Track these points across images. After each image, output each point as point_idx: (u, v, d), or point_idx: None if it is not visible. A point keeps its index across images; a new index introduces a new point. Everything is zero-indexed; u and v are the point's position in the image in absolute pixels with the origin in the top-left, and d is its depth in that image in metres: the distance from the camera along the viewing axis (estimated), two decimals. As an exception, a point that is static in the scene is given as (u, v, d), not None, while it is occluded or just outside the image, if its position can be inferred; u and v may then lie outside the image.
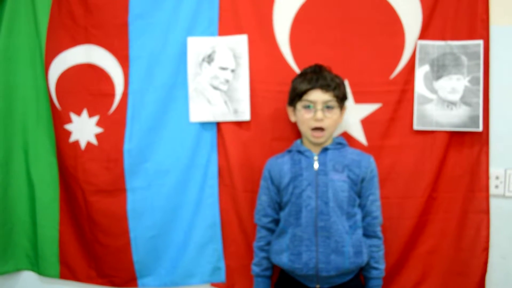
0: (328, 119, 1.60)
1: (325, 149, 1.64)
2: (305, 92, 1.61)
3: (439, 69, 1.75)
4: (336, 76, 1.64)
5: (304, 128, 1.64)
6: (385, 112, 1.79)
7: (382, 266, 1.66)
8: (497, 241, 1.82)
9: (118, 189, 1.94)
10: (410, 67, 1.78)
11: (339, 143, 1.67)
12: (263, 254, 1.72)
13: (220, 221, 1.92)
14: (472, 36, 1.74)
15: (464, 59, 1.74)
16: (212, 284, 1.98)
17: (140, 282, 2.01)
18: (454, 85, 1.75)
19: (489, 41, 1.74)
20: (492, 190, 1.80)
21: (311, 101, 1.60)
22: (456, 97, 1.75)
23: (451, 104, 1.75)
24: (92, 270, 2.05)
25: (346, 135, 1.80)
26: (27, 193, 2.07)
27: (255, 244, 1.74)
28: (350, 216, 1.59)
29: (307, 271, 1.57)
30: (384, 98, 1.79)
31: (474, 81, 1.73)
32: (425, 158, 1.79)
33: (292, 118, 1.70)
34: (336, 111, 1.63)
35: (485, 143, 1.77)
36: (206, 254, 1.95)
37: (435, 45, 1.76)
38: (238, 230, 1.90)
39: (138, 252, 1.97)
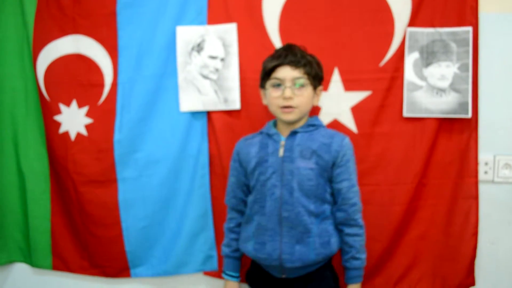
0: (298, 97, 1.51)
1: (293, 133, 1.55)
2: (273, 69, 1.52)
3: (428, 56, 1.76)
4: (309, 55, 1.57)
5: (273, 108, 1.56)
6: (375, 100, 1.79)
7: (363, 255, 1.58)
8: (486, 227, 1.84)
9: (109, 179, 1.94)
10: (400, 55, 1.78)
11: (312, 125, 1.57)
12: (232, 236, 1.69)
13: (212, 210, 1.93)
14: (461, 23, 1.74)
15: (453, 46, 1.74)
16: (205, 273, 1.99)
17: (132, 272, 2.01)
18: (444, 72, 1.75)
19: (478, 28, 1.74)
20: (481, 176, 1.82)
21: (279, 79, 1.51)
22: (445, 84, 1.75)
23: (441, 91, 1.75)
24: (84, 260, 2.06)
25: (336, 123, 1.81)
26: (18, 185, 2.06)
27: (225, 225, 1.72)
28: (319, 205, 1.52)
29: (270, 262, 1.53)
30: (374, 85, 1.79)
31: (463, 67, 1.74)
32: (415, 144, 1.79)
33: (264, 101, 1.63)
34: (308, 89, 1.53)
35: (474, 129, 1.78)
36: (198, 243, 1.95)
37: (425, 32, 1.76)
38: (230, 218, 1.91)
39: (130, 242, 1.98)
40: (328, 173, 1.54)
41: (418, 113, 1.77)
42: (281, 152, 1.55)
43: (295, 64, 1.51)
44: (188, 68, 1.87)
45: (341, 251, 1.60)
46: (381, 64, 1.79)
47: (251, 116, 1.86)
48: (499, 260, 1.87)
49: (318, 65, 1.59)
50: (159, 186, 1.93)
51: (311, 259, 1.52)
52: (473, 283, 1.83)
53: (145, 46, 1.89)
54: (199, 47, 1.85)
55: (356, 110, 1.81)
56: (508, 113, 1.81)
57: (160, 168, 1.92)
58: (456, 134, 1.79)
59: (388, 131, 1.80)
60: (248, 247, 1.59)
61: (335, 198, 1.57)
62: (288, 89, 1.51)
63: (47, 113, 1.97)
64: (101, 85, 1.93)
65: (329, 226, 1.55)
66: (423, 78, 1.76)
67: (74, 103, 1.96)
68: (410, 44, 1.76)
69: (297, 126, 1.57)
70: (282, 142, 1.56)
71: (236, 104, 1.85)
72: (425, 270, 1.85)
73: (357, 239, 1.57)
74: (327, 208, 1.55)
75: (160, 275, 2.00)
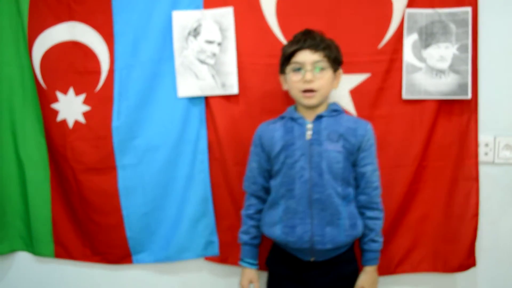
0: (319, 80, 1.53)
1: (319, 117, 1.57)
2: (293, 54, 1.54)
3: (427, 38, 1.74)
4: (328, 39, 1.58)
5: (294, 92, 1.57)
6: (374, 82, 1.78)
7: (381, 239, 1.62)
8: (487, 208, 1.84)
9: (108, 167, 1.94)
10: (398, 36, 1.76)
11: (335, 110, 1.60)
12: (252, 223, 1.69)
13: (212, 195, 1.93)
14: (460, 3, 1.72)
15: (452, 27, 1.72)
16: (206, 258, 2.00)
17: (134, 258, 2.02)
18: (443, 53, 1.74)
19: (477, 8, 1.72)
20: (482, 157, 1.81)
21: (299, 63, 1.53)
22: (444, 65, 1.74)
23: (440, 72, 1.74)
24: (86, 248, 2.07)
25: (335, 106, 1.80)
26: (17, 174, 2.06)
27: (244, 212, 1.72)
28: (345, 188, 1.55)
29: (301, 245, 1.54)
30: (372, 67, 1.78)
31: (462, 48, 1.72)
32: (415, 127, 1.79)
33: (284, 86, 1.64)
34: (328, 72, 1.55)
35: (474, 110, 1.77)
36: (199, 228, 1.96)
37: (423, 13, 1.74)
38: (230, 203, 1.91)
39: (131, 229, 1.98)
40: (353, 156, 1.57)
41: (417, 95, 1.76)
42: (308, 135, 1.56)
43: (314, 47, 1.52)
44: (185, 53, 1.85)
45: None
46: (379, 46, 1.77)
47: (249, 100, 1.85)
48: (499, 241, 1.87)
49: (337, 48, 1.60)
50: (159, 172, 1.93)
51: (342, 241, 1.54)
52: (473, 264, 1.83)
53: (141, 31, 1.87)
54: (195, 32, 1.84)
55: (355, 93, 1.80)
56: (508, 94, 1.80)
57: (159, 154, 1.92)
58: (456, 115, 1.78)
59: (388, 113, 1.80)
60: (276, 232, 1.58)
61: (358, 182, 1.60)
62: (309, 72, 1.52)
63: (44, 101, 1.96)
64: (98, 72, 1.92)
65: (354, 209, 1.58)
66: (422, 59, 1.75)
67: (71, 91, 1.94)
68: (409, 26, 1.75)
69: (319, 110, 1.59)
70: (309, 126, 1.57)
71: (234, 89, 1.83)
72: (426, 251, 1.85)
73: (377, 223, 1.61)
74: (351, 191, 1.58)
75: (161, 261, 2.00)
